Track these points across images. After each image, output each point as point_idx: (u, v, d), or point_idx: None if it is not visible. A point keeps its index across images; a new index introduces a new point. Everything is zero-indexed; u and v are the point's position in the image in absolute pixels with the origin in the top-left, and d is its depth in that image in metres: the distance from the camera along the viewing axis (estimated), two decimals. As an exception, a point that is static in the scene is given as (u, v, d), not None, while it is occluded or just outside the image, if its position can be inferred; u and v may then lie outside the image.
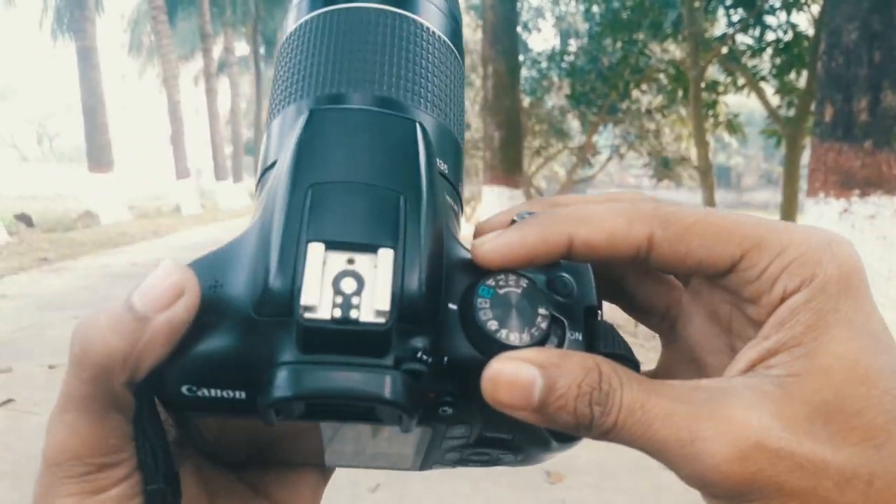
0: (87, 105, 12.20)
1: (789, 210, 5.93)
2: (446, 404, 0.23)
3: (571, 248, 0.24)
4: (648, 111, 9.75)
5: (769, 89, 6.76)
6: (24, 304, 5.31)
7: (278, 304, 0.21)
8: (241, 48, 26.29)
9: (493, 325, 0.23)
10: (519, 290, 0.23)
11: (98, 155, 12.04)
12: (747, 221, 0.24)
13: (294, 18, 0.31)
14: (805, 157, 4.21)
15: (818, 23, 5.50)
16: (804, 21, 6.50)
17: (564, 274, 0.25)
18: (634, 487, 2.36)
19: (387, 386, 0.21)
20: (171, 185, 17.84)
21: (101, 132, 12.16)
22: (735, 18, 6.62)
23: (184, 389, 0.22)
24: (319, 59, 0.28)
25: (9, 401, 3.16)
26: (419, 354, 0.22)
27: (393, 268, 0.21)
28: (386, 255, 0.21)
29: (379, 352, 0.21)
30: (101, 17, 16.02)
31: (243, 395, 0.22)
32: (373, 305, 0.21)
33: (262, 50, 23.52)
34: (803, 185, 3.28)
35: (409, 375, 0.22)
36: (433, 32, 0.30)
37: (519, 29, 8.42)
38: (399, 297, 0.21)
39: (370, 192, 0.23)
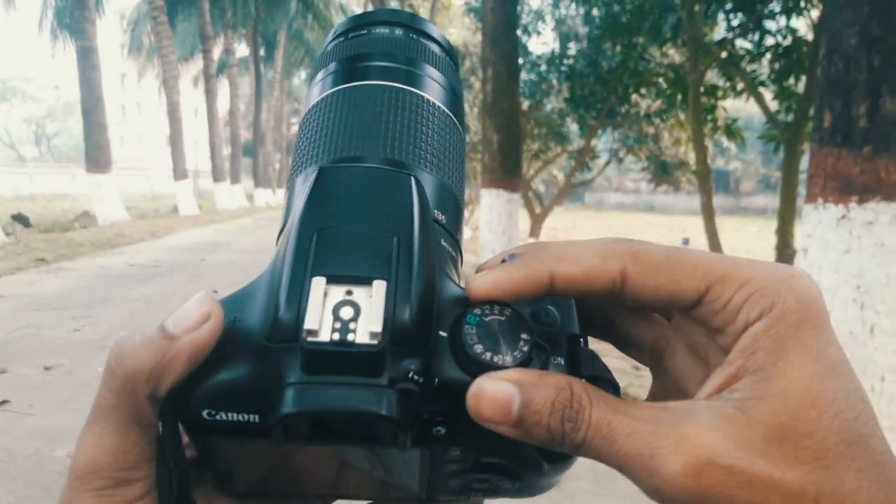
0: (86, 105, 12.19)
1: (787, 215, 5.94)
2: (439, 424, 0.25)
3: (553, 284, 0.26)
4: (647, 115, 9.76)
5: (768, 94, 6.77)
6: (20, 304, 5.30)
7: (286, 331, 0.24)
8: (241, 50, 26.33)
9: (478, 348, 0.25)
10: (503, 318, 0.26)
11: (96, 155, 12.02)
12: (712, 257, 0.26)
13: (317, 93, 0.36)
14: (804, 163, 4.20)
15: (817, 27, 5.51)
16: (803, 26, 6.50)
17: (549, 306, 0.28)
18: (629, 493, 2.33)
19: (381, 403, 0.23)
20: (168, 186, 17.79)
21: (99, 132, 12.15)
22: (735, 23, 6.64)
23: (204, 413, 0.25)
24: (335, 126, 0.33)
25: (4, 402, 3.16)
26: (411, 375, 0.24)
27: (385, 296, 0.24)
28: (380, 286, 0.24)
29: (374, 371, 0.24)
30: (101, 17, 16.01)
31: (256, 418, 0.25)
32: (367, 328, 0.23)
33: (261, 52, 23.54)
34: (802, 190, 3.25)
35: (401, 394, 0.24)
36: (434, 104, 0.35)
37: (518, 32, 8.42)
38: (391, 321, 0.24)
39: (367, 234, 0.26)
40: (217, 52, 21.53)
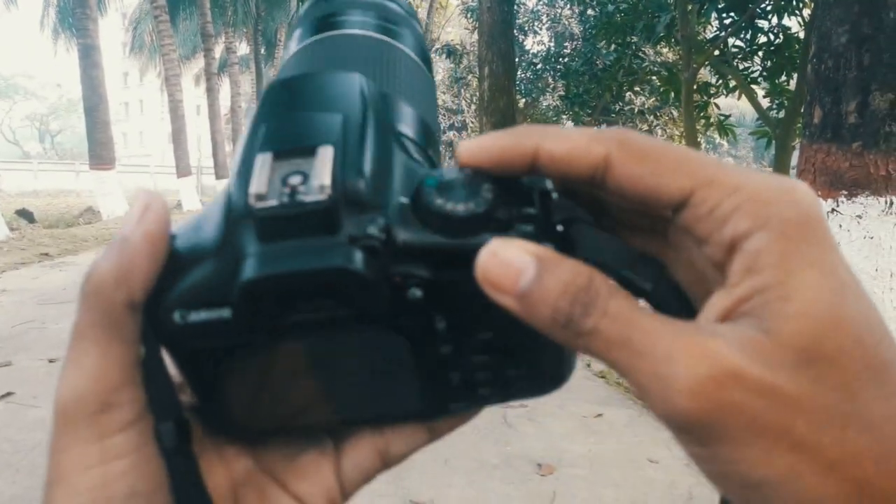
0: (88, 103, 12.19)
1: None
2: (413, 286, 0.24)
3: (538, 158, 0.24)
4: (641, 112, 9.76)
5: (760, 91, 6.80)
6: (25, 298, 5.36)
7: (238, 209, 0.24)
8: (242, 48, 26.27)
9: (438, 200, 0.24)
10: (462, 175, 0.25)
11: (100, 152, 12.05)
12: (704, 158, 0.23)
13: (294, 45, 0.36)
14: (794, 158, 4.22)
15: (809, 26, 5.55)
16: (795, 24, 6.54)
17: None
18: (624, 480, 2.39)
19: (344, 257, 0.22)
20: (172, 183, 17.81)
21: (102, 130, 12.15)
22: (727, 22, 6.66)
23: (177, 316, 0.24)
24: (311, 64, 0.34)
25: (8, 394, 3.20)
26: (371, 232, 0.23)
27: (333, 158, 0.23)
28: (326, 150, 0.24)
29: (330, 229, 0.23)
30: (103, 16, 16.05)
31: (228, 312, 0.24)
32: (316, 185, 0.23)
33: (262, 50, 23.51)
34: None
35: (364, 251, 0.23)
36: (404, 50, 0.35)
37: (515, 31, 8.44)
38: (340, 175, 0.23)
39: (313, 116, 0.26)
40: (218, 50, 21.54)
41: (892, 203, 2.73)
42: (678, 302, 0.25)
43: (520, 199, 0.25)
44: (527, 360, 0.28)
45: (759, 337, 0.21)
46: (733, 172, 0.23)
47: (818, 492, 0.20)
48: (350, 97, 0.27)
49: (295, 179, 0.23)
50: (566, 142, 0.24)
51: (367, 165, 0.24)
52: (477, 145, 0.25)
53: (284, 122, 0.26)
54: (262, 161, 0.24)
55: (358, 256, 0.23)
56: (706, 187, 0.23)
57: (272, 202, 0.23)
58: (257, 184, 0.23)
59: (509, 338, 0.26)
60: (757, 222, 0.22)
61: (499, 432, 2.73)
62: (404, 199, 0.25)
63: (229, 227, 0.24)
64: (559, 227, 0.25)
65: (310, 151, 0.24)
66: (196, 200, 15.61)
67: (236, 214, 0.24)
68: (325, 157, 0.23)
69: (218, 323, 0.24)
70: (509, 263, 0.22)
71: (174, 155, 15.74)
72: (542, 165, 0.25)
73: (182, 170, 15.57)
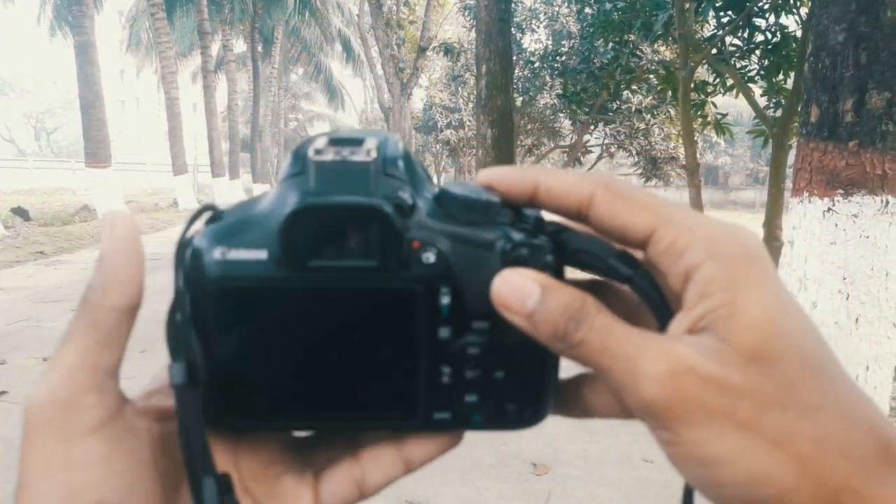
0: (85, 100, 12.17)
1: (775, 209, 5.99)
2: (429, 251, 0.29)
3: (537, 190, 0.30)
4: (638, 111, 9.77)
5: (757, 90, 6.80)
6: (19, 297, 5.35)
7: (294, 170, 0.29)
8: (239, 46, 26.22)
9: (458, 190, 0.30)
10: (478, 186, 0.30)
11: (96, 150, 12.03)
12: (666, 203, 0.28)
13: None
14: (791, 157, 4.22)
15: (806, 24, 5.55)
16: (792, 23, 6.55)
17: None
18: (619, 479, 2.40)
19: (380, 201, 0.28)
20: (168, 181, 17.80)
21: (98, 127, 12.14)
22: (725, 20, 6.66)
23: (216, 252, 0.28)
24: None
25: (3, 392, 3.21)
26: (402, 196, 0.29)
27: (378, 143, 0.29)
28: (371, 139, 0.29)
29: (371, 185, 0.28)
30: (99, 13, 16.00)
31: (264, 254, 0.28)
32: (364, 151, 0.29)
33: (259, 48, 23.47)
34: (789, 184, 3.25)
35: (394, 206, 0.28)
36: None
37: (512, 29, 8.45)
38: (382, 152, 0.29)
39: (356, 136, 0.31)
40: (215, 48, 21.51)
41: (887, 202, 2.73)
42: (652, 287, 0.28)
43: (520, 215, 0.30)
44: (514, 366, 0.31)
45: (714, 343, 0.25)
46: (690, 215, 0.27)
47: (765, 466, 0.24)
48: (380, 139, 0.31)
49: (346, 150, 0.28)
50: (561, 180, 0.29)
51: (401, 160, 0.30)
52: (488, 173, 0.31)
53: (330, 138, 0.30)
54: (321, 139, 0.29)
55: (390, 204, 0.28)
56: (665, 226, 0.27)
57: (327, 157, 0.28)
58: (317, 144, 0.29)
59: (501, 332, 0.29)
60: (706, 255, 0.26)
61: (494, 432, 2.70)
62: (429, 194, 0.30)
63: (282, 186, 0.29)
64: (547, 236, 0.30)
65: (359, 142, 0.29)
66: (192, 198, 15.60)
67: (292, 172, 0.29)
68: (372, 142, 0.29)
69: (254, 262, 0.28)
70: (519, 289, 0.27)
71: (170, 153, 15.73)
72: (540, 197, 0.30)
73: (178, 168, 15.57)
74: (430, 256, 0.29)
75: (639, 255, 0.29)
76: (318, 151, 0.28)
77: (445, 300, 0.29)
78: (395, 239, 0.28)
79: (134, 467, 0.27)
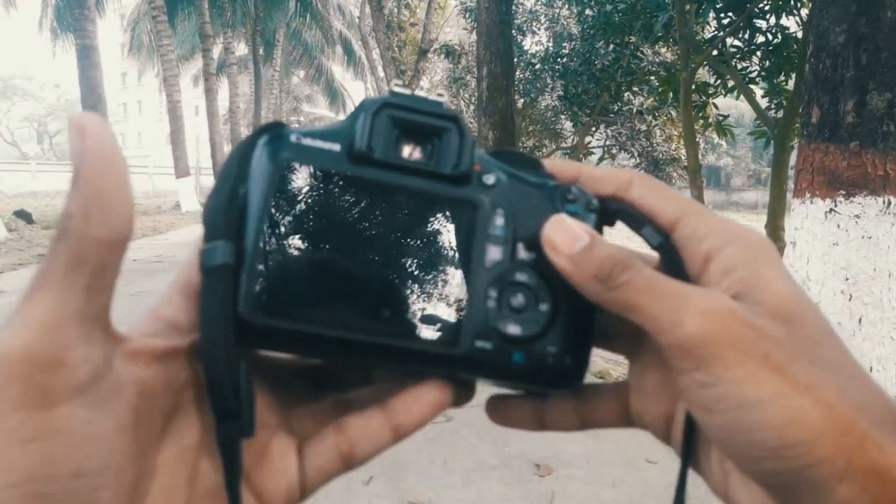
0: (87, 103, 12.18)
1: (777, 209, 5.97)
2: (489, 174, 0.32)
3: (580, 175, 0.34)
4: (640, 112, 9.77)
5: (758, 91, 6.79)
6: (23, 299, 5.36)
7: (371, 101, 0.31)
8: (240, 49, 26.21)
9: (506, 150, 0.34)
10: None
11: (98, 153, 12.02)
12: (690, 199, 0.32)
13: None
14: (793, 158, 4.21)
15: (806, 25, 5.54)
16: (793, 24, 6.54)
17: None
18: (622, 481, 2.39)
19: (458, 115, 0.31)
20: (170, 184, 17.81)
21: (100, 131, 12.15)
22: (725, 21, 6.66)
23: (293, 136, 0.30)
24: None
25: None
26: (473, 133, 0.32)
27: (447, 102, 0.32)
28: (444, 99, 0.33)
29: (445, 109, 0.31)
30: (101, 16, 16.02)
31: (338, 146, 0.30)
32: (437, 95, 0.32)
33: (260, 51, 23.47)
34: (791, 185, 3.24)
35: (466, 128, 0.32)
36: None
37: (513, 31, 8.44)
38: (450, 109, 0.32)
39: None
40: (217, 51, 21.49)
41: (889, 203, 2.71)
42: (677, 254, 0.31)
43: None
44: (559, 302, 0.31)
45: (746, 303, 0.28)
46: (709, 211, 0.31)
47: (797, 409, 0.25)
48: None
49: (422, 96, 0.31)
50: (601, 170, 0.34)
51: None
52: (548, 162, 0.34)
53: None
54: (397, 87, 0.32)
55: (459, 119, 0.31)
56: (689, 215, 0.31)
57: (406, 90, 0.31)
58: (397, 83, 0.32)
59: (548, 267, 0.30)
60: (727, 241, 0.30)
61: (497, 432, 2.71)
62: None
63: (357, 108, 0.31)
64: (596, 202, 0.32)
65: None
66: (195, 201, 15.59)
67: (368, 103, 0.31)
68: (445, 100, 0.32)
69: (326, 152, 0.30)
70: (570, 230, 0.29)
71: (172, 155, 15.71)
72: (582, 180, 0.34)
73: (181, 170, 15.56)
74: (490, 178, 0.32)
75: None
76: (397, 85, 0.31)
77: (500, 221, 0.31)
78: (466, 148, 0.31)
79: (117, 429, 0.23)
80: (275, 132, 0.30)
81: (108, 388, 0.23)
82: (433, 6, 14.22)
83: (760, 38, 6.55)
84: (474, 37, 9.02)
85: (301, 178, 0.29)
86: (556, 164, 0.34)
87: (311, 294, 0.29)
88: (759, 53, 6.63)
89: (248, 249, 0.28)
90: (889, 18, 2.67)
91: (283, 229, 0.28)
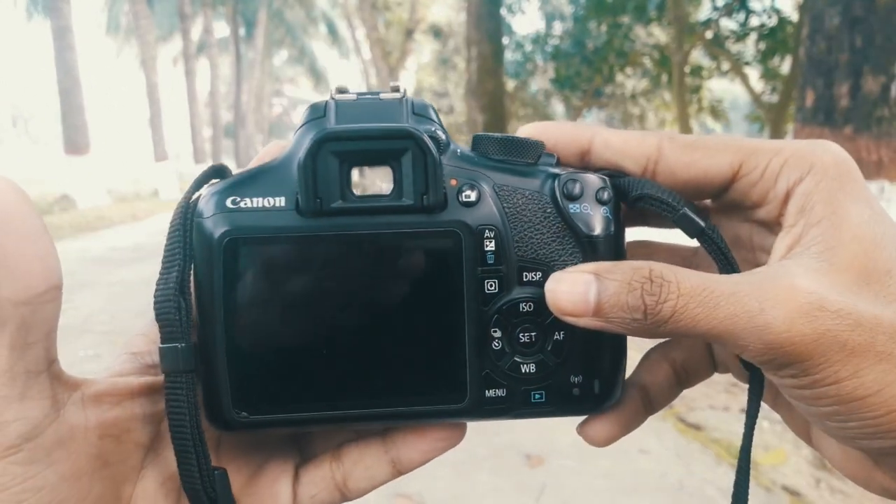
0: (62, 86, 11.99)
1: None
2: (468, 189, 0.27)
3: (592, 145, 0.29)
4: (633, 95, 9.85)
5: (753, 74, 6.80)
6: None
7: (314, 115, 0.27)
8: (221, 29, 25.93)
9: (492, 133, 0.28)
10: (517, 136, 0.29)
11: (74, 137, 11.85)
12: (738, 137, 0.28)
13: None
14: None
15: (801, 8, 5.53)
16: (788, 6, 6.51)
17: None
18: (615, 471, 2.36)
19: (413, 127, 0.25)
20: (149, 168, 17.64)
21: (77, 114, 11.97)
22: (719, 3, 6.64)
23: (228, 202, 0.25)
24: None
25: None
26: (436, 132, 0.26)
27: (403, 90, 0.27)
28: (395, 91, 0.27)
29: (402, 118, 0.26)
30: (76, -5, 15.68)
31: (283, 201, 0.26)
32: (391, 89, 0.27)
33: (241, 31, 23.20)
34: None
35: (430, 138, 0.26)
36: None
37: (503, 11, 8.38)
38: (409, 97, 0.27)
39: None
40: (196, 31, 21.20)
41: (883, 188, 2.77)
42: (722, 239, 0.27)
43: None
44: (573, 329, 0.27)
45: (822, 266, 0.25)
46: (772, 141, 0.28)
47: None
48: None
49: (369, 94, 0.27)
50: (622, 135, 0.29)
51: (431, 109, 0.28)
52: (538, 124, 0.29)
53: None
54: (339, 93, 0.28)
55: (423, 132, 0.26)
56: (753, 156, 0.27)
57: (350, 97, 0.27)
58: (337, 88, 0.27)
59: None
60: (803, 170, 0.26)
61: (487, 423, 2.66)
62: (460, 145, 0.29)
63: (296, 135, 0.27)
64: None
65: (380, 92, 0.28)
66: (175, 187, 15.41)
67: (310, 118, 0.26)
68: (397, 90, 0.27)
69: (270, 211, 0.26)
70: (572, 288, 0.25)
71: (151, 139, 15.52)
72: (595, 151, 0.29)
73: (159, 154, 15.41)
74: (470, 194, 0.27)
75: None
76: (340, 91, 0.26)
77: (490, 245, 0.27)
78: (431, 169, 0.26)
79: (67, 477, 0.24)
80: (214, 192, 0.26)
81: (51, 440, 0.23)
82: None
83: (755, 20, 6.55)
84: (463, 16, 8.93)
85: (252, 252, 0.26)
86: (563, 136, 0.29)
87: (294, 378, 0.26)
88: (753, 36, 6.63)
89: (214, 352, 0.25)
90: (883, 1, 2.70)
91: (247, 315, 0.26)
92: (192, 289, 0.26)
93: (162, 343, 0.25)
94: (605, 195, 0.27)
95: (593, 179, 0.27)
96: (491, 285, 0.27)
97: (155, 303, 0.26)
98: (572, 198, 0.27)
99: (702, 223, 0.27)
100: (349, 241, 0.26)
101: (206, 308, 0.26)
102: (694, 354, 0.33)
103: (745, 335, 0.24)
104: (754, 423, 0.29)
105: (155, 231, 8.96)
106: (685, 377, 0.34)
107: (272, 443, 0.30)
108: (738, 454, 0.28)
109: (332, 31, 26.25)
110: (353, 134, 0.25)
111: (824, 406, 0.24)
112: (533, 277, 0.27)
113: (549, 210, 0.27)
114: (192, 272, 0.26)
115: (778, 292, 0.24)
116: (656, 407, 0.33)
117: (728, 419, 2.60)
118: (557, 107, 11.45)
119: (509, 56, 10.15)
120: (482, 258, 0.27)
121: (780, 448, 2.39)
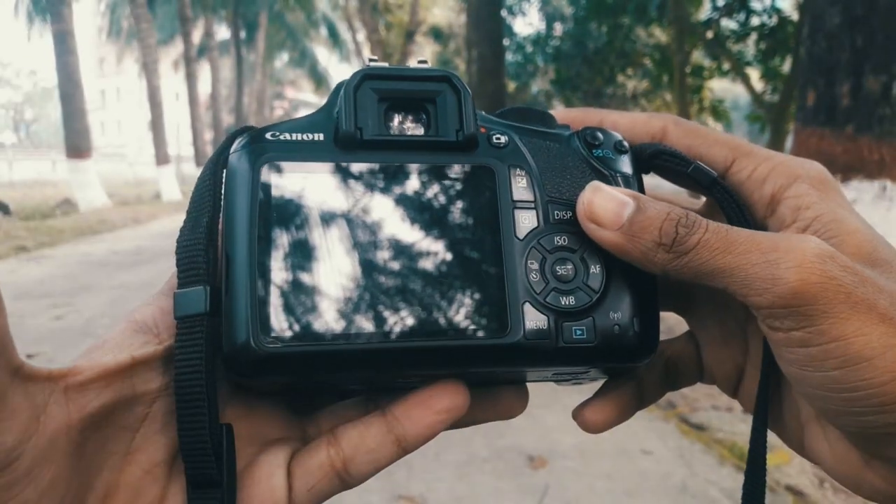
0: (64, 90, 11.99)
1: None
2: (499, 134, 0.28)
3: (602, 125, 0.30)
4: (634, 96, 9.85)
5: (754, 74, 6.80)
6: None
7: (349, 79, 0.27)
8: (222, 32, 25.95)
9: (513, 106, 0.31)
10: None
11: (76, 141, 11.84)
12: (737, 137, 0.30)
13: None
14: (789, 143, 4.24)
15: (802, 7, 5.53)
16: (789, 6, 6.51)
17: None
18: (617, 472, 2.36)
19: (451, 72, 0.27)
20: (151, 172, 17.62)
21: (78, 117, 11.96)
22: (720, 3, 6.64)
23: (268, 134, 0.26)
24: None
25: None
26: (469, 93, 0.28)
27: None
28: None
29: (432, 70, 0.28)
30: (77, 0, 15.72)
31: (321, 136, 0.27)
32: (426, 65, 0.28)
33: (242, 35, 23.22)
34: None
35: (463, 85, 0.28)
36: None
37: (503, 13, 8.39)
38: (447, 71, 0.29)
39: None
40: (197, 35, 21.23)
41: (885, 187, 2.76)
42: (736, 196, 0.28)
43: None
44: (612, 259, 0.27)
45: (830, 243, 0.26)
46: (763, 149, 0.29)
47: None
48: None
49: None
50: (629, 116, 0.31)
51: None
52: (551, 111, 0.32)
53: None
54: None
55: (458, 81, 0.28)
56: (745, 157, 0.29)
57: (383, 63, 0.27)
58: (369, 58, 0.28)
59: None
60: (790, 178, 0.28)
61: (490, 424, 2.67)
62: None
63: (334, 92, 0.27)
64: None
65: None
66: (176, 190, 15.42)
67: (345, 81, 0.27)
68: (426, 66, 0.29)
69: (310, 143, 0.26)
70: (610, 200, 0.26)
71: (153, 143, 15.53)
72: (606, 129, 0.31)
73: (161, 157, 15.41)
74: (500, 138, 0.28)
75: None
76: (372, 59, 0.27)
77: (522, 182, 0.28)
78: (467, 111, 0.27)
79: (46, 491, 0.23)
80: (248, 134, 0.27)
81: (30, 459, 0.23)
82: (420, -13, 14.09)
83: (756, 20, 6.54)
84: (463, 18, 8.94)
85: (289, 179, 0.26)
86: (572, 112, 0.31)
87: (328, 307, 0.25)
88: (754, 36, 6.63)
89: (238, 275, 0.24)
90: (884, 0, 2.70)
91: (280, 241, 0.25)
92: (221, 228, 0.27)
93: (180, 288, 0.25)
94: (624, 146, 0.29)
95: (612, 133, 0.29)
96: (525, 219, 0.28)
97: (179, 247, 0.26)
98: (595, 145, 0.29)
99: (714, 173, 0.28)
100: (386, 173, 0.27)
101: (238, 237, 0.25)
102: (685, 355, 0.34)
103: (755, 274, 0.24)
104: (766, 424, 0.30)
105: (157, 234, 8.96)
106: (674, 377, 0.34)
107: (265, 430, 0.29)
108: (741, 455, 0.29)
109: (333, 34, 26.26)
110: (394, 72, 0.27)
111: (830, 370, 0.24)
112: (564, 216, 0.28)
113: (575, 156, 0.29)
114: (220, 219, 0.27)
115: (792, 243, 0.25)
116: (646, 401, 0.34)
117: (731, 420, 2.60)
118: (559, 108, 11.50)
119: (510, 58, 10.18)
120: (516, 193, 0.28)
121: (783, 449, 2.38)
